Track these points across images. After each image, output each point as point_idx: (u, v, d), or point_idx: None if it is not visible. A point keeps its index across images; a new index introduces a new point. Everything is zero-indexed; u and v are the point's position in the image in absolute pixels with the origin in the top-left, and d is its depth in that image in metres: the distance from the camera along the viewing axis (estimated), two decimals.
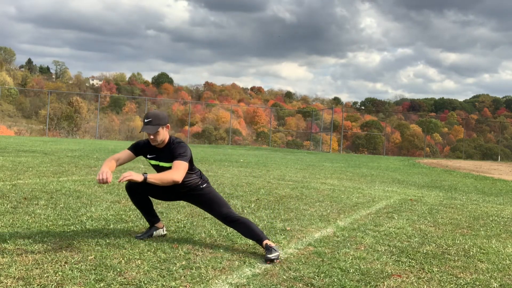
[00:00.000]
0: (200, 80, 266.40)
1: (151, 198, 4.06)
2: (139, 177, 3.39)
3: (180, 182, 3.62)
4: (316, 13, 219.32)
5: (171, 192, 3.95)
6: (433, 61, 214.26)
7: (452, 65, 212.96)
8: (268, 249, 3.57)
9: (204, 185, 3.94)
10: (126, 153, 3.87)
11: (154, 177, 3.51)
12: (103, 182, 3.35)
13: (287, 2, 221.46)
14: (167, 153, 3.79)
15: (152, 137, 3.72)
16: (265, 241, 3.67)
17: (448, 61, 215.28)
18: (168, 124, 3.82)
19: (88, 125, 41.11)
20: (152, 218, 4.07)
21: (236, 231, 3.98)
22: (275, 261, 3.45)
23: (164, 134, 3.77)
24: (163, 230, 4.07)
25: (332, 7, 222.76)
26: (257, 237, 3.74)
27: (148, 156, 3.89)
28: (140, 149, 3.90)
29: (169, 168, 3.73)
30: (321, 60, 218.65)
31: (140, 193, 3.97)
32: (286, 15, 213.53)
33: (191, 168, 3.87)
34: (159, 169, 3.87)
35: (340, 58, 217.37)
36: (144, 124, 3.71)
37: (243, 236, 3.85)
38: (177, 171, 3.61)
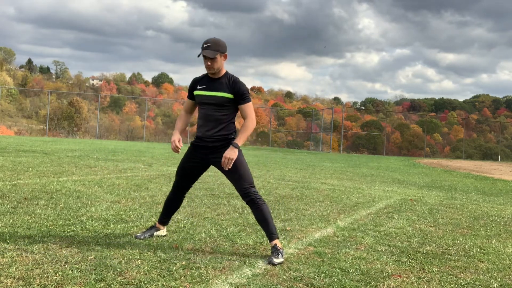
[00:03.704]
0: None
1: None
2: (235, 152, 3.50)
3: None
4: (314, 14, 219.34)
5: (207, 158, 3.79)
6: (431, 62, 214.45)
7: (450, 66, 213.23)
8: (276, 251, 3.48)
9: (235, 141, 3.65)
10: (187, 102, 3.85)
11: (242, 139, 3.57)
12: (176, 151, 3.65)
13: (286, 3, 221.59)
14: (220, 83, 3.60)
15: (209, 63, 3.52)
16: (276, 241, 3.55)
17: (445, 61, 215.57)
18: (227, 54, 3.60)
19: (88, 125, 41.18)
20: (167, 220, 4.04)
21: (235, 232, 3.96)
22: (277, 265, 3.43)
23: (221, 63, 3.58)
24: (163, 231, 4.05)
25: (330, 8, 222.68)
26: (270, 232, 3.58)
27: (198, 87, 3.69)
28: (193, 86, 3.75)
29: (216, 97, 3.58)
30: (320, 60, 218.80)
31: (186, 187, 3.94)
32: (285, 16, 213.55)
33: (235, 114, 3.70)
34: (204, 99, 3.64)
35: (338, 59, 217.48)
36: (202, 49, 3.51)
37: (244, 235, 3.83)
38: (251, 119, 3.59)
